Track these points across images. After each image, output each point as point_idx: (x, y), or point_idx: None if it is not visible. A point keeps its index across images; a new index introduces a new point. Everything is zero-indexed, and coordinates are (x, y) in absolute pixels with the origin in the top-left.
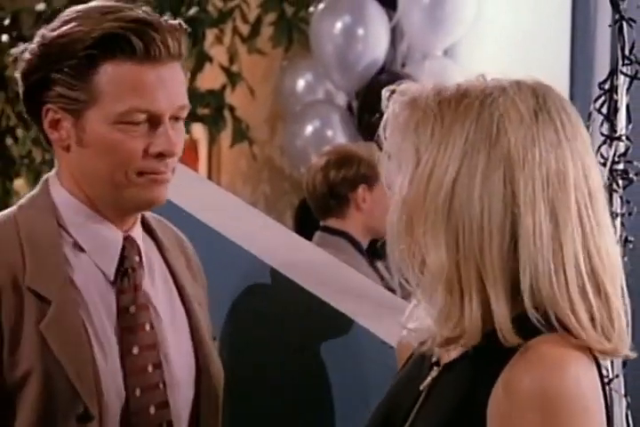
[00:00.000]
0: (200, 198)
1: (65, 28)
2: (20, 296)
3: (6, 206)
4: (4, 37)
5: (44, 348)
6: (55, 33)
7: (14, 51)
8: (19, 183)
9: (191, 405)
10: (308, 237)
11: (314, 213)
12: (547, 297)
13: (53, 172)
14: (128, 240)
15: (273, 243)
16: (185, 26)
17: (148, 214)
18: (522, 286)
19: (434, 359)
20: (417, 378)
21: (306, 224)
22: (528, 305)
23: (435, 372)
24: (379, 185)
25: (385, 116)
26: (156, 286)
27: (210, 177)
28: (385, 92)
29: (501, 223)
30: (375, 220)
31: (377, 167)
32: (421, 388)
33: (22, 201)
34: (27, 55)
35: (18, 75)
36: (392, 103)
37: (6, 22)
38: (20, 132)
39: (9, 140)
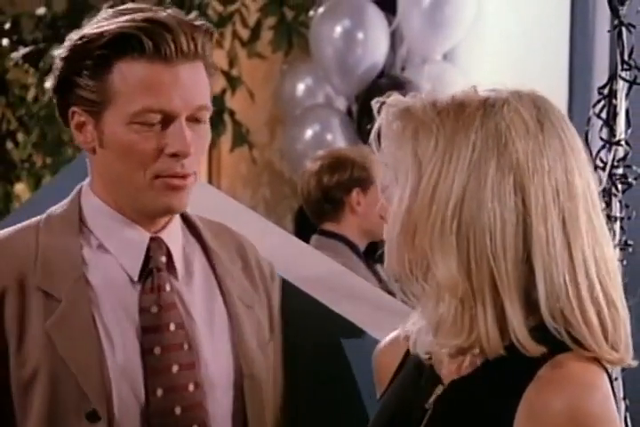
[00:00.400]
0: (200, 202)
1: (86, 30)
2: (26, 296)
3: (7, 210)
4: (5, 41)
5: (50, 346)
6: (77, 36)
7: (14, 55)
8: (19, 187)
9: (232, 408)
10: (308, 240)
11: (310, 217)
12: (561, 307)
13: (88, 178)
14: (155, 241)
15: (273, 246)
16: (209, 26)
17: (197, 215)
18: (539, 296)
19: (443, 372)
20: (417, 392)
21: (306, 228)
22: (545, 315)
23: (439, 389)
24: (373, 188)
25: (376, 126)
26: (192, 286)
27: (210, 181)
28: (374, 104)
29: (514, 232)
30: (370, 222)
31: (370, 170)
32: (427, 406)
33: (53, 208)
34: (57, 60)
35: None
36: (384, 113)
37: (7, 26)
38: (20, 136)
39: (9, 145)
